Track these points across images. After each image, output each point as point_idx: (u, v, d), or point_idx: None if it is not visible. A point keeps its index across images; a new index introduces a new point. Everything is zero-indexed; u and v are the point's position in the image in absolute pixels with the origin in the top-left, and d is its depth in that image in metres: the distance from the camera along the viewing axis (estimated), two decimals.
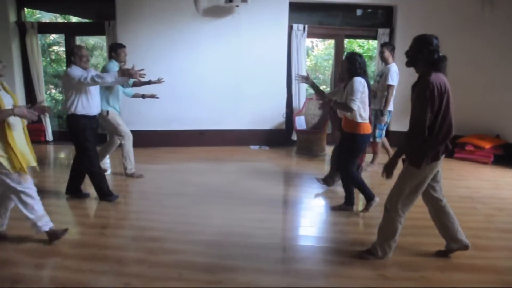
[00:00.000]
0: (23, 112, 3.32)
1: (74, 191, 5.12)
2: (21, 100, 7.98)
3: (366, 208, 4.47)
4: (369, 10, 8.38)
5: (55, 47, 11.12)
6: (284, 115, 7.88)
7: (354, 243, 3.74)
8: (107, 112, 5.59)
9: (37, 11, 9.72)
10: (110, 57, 5.81)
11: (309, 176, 6.11)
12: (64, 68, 8.38)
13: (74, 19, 9.46)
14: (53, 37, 10.92)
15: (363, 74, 4.25)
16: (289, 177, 6.25)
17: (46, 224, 3.68)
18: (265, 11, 7.57)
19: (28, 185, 3.54)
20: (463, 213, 4.36)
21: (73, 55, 4.70)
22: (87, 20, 8.97)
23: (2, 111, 3.29)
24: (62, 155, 7.82)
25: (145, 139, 7.78)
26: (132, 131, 7.72)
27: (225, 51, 7.68)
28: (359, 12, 8.42)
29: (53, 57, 10.81)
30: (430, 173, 3.14)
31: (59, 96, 9.99)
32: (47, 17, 10.40)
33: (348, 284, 3.06)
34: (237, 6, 7.30)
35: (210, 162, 6.87)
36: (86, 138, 4.75)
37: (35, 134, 7.70)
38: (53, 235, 3.73)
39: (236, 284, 3.04)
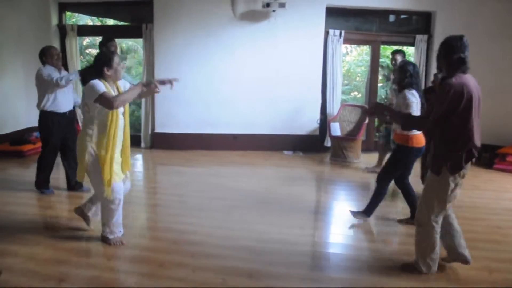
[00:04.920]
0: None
1: (72, 186, 5.31)
2: None
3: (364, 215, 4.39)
4: (404, 16, 8.25)
5: (90, 49, 11.32)
6: (319, 121, 7.80)
7: (398, 254, 3.65)
8: None
9: (76, 14, 9.87)
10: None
11: (344, 182, 6.05)
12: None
13: (110, 22, 9.60)
14: (89, 39, 11.11)
15: (415, 85, 4.04)
16: (324, 184, 6.18)
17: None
18: (301, 16, 7.52)
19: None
20: (509, 227, 4.23)
21: (44, 55, 4.97)
22: (124, 23, 9.09)
23: (133, 89, 3.52)
24: None
25: (179, 142, 7.84)
26: (167, 134, 7.88)
27: (260, 55, 7.67)
28: (392, 18, 8.30)
29: (88, 59, 10.99)
30: (454, 181, 2.99)
31: None
32: (84, 20, 10.59)
33: None
34: (273, 10, 7.28)
35: (244, 166, 6.85)
36: (52, 133, 5.02)
37: None
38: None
39: None
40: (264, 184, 5.80)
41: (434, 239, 3.14)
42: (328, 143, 7.77)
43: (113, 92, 3.52)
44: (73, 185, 5.25)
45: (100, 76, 3.50)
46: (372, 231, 4.34)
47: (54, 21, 8.09)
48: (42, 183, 5.17)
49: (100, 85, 3.38)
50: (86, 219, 3.98)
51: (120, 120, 3.55)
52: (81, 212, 3.98)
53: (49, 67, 4.96)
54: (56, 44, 7.99)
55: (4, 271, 3.22)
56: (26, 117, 7.38)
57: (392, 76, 5.53)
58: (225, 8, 7.55)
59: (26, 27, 7.68)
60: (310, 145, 7.81)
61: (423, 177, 4.87)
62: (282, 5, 7.11)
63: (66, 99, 5.04)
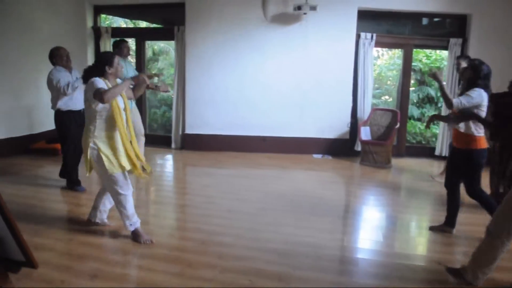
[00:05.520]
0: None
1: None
2: None
3: None
4: (438, 19, 8.08)
5: None
6: (349, 125, 7.72)
7: (429, 261, 3.58)
8: None
9: (110, 17, 10.07)
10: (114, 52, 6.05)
11: (373, 187, 5.98)
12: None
13: (143, 24, 9.75)
14: None
15: (485, 86, 3.80)
16: (354, 188, 6.09)
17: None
18: (333, 19, 7.47)
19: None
20: None
21: (54, 56, 5.10)
22: (157, 25, 9.23)
23: (122, 83, 3.65)
24: None
25: (209, 143, 7.91)
26: (197, 135, 7.95)
27: (291, 58, 7.65)
28: (425, 21, 8.14)
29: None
30: None
31: None
32: (117, 22, 10.79)
33: None
34: (305, 13, 7.25)
35: (273, 169, 6.84)
36: (69, 131, 5.18)
37: None
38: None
39: None
40: (293, 187, 5.78)
41: (497, 254, 2.93)
42: (358, 147, 7.68)
43: None
44: (74, 180, 5.35)
45: (102, 74, 3.70)
46: (402, 238, 4.27)
47: (90, 23, 8.33)
48: (73, 181, 5.30)
49: (99, 82, 3.56)
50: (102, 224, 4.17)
51: (123, 117, 3.73)
52: (92, 223, 4.15)
53: (59, 68, 5.11)
54: (91, 45, 8.21)
55: (40, 265, 3.30)
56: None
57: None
58: (256, 11, 7.57)
59: (63, 30, 7.89)
60: (340, 149, 7.74)
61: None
62: (313, 8, 7.08)
63: (82, 96, 5.15)
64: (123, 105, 3.77)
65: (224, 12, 7.65)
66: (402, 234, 4.37)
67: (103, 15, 8.99)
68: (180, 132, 8.18)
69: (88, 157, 3.70)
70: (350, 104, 7.75)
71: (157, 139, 8.64)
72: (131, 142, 3.82)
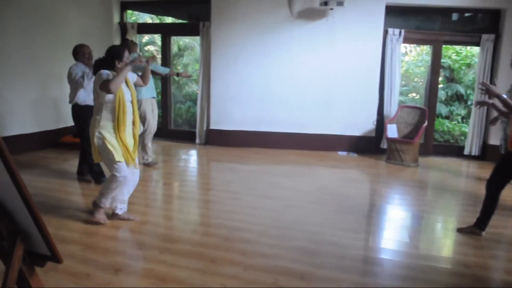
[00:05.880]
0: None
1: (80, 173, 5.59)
2: None
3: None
4: (469, 14, 7.85)
5: (149, 46, 11.61)
6: (375, 122, 7.60)
7: (456, 264, 3.48)
8: (141, 101, 5.98)
9: (136, 13, 10.15)
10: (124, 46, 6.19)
11: (399, 186, 5.88)
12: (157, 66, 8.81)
13: (168, 20, 9.80)
14: (148, 37, 11.39)
15: None
16: (379, 187, 5.97)
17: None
18: (360, 15, 7.35)
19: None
20: None
21: (77, 52, 5.24)
22: (182, 21, 9.28)
23: (121, 69, 3.75)
24: (152, 149, 8.08)
25: (234, 139, 7.91)
26: (221, 131, 7.95)
27: (316, 54, 7.57)
28: (455, 16, 7.93)
29: (147, 55, 11.28)
30: None
31: None
32: (143, 18, 10.87)
33: None
34: (331, 9, 7.15)
35: (299, 166, 6.78)
36: (87, 124, 5.08)
37: None
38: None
39: None
40: (318, 185, 5.72)
41: None
42: (384, 145, 7.56)
43: (123, 83, 3.87)
44: (96, 172, 5.43)
45: (112, 68, 3.86)
46: (428, 239, 4.17)
47: (116, 19, 8.48)
48: (96, 172, 5.39)
49: (106, 74, 3.75)
50: (123, 218, 4.23)
51: (128, 107, 3.88)
52: (117, 216, 4.22)
53: (80, 64, 5.24)
54: (117, 41, 8.30)
55: (65, 257, 3.35)
56: None
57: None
58: (282, 6, 7.51)
59: (91, 25, 8.03)
60: (366, 147, 7.63)
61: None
62: (340, 3, 6.98)
63: None
64: (130, 97, 3.93)
65: (250, 7, 7.61)
66: (428, 235, 4.27)
67: (129, 11, 9.09)
68: (205, 128, 8.21)
69: (96, 145, 3.87)
70: (377, 101, 7.63)
71: (182, 134, 8.70)
72: (133, 133, 4.01)
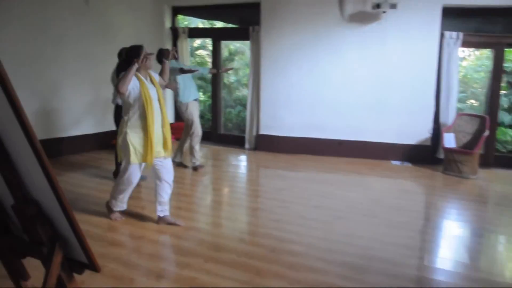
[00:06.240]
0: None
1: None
2: (169, 101, 8.52)
3: None
4: None
5: (200, 51, 11.70)
6: (431, 131, 7.24)
7: None
8: (187, 105, 6.19)
9: (187, 17, 10.26)
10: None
11: (457, 200, 5.56)
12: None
13: (218, 24, 9.83)
14: (199, 41, 11.49)
15: None
16: (436, 200, 5.66)
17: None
18: (414, 17, 7.01)
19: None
20: None
21: (121, 55, 5.56)
22: (232, 26, 9.30)
23: (130, 68, 3.81)
24: (201, 153, 8.11)
25: (283, 145, 7.80)
26: (271, 136, 7.86)
27: (369, 59, 7.32)
28: None
29: (198, 60, 11.38)
30: None
31: (202, 98, 10.45)
32: (195, 23, 10.98)
33: None
34: (384, 12, 6.88)
35: (349, 174, 6.56)
36: None
37: (179, 132, 8.09)
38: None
39: None
40: (370, 195, 5.50)
41: None
42: (440, 155, 7.18)
43: (146, 80, 3.99)
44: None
45: None
46: (490, 260, 3.86)
47: (168, 24, 8.64)
48: None
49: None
50: (170, 223, 4.26)
51: (155, 106, 3.94)
52: (162, 219, 4.26)
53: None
54: (169, 45, 8.41)
55: (111, 260, 3.39)
56: None
57: None
58: (333, 9, 7.33)
59: (143, 30, 8.23)
60: (421, 156, 7.27)
61: None
62: (393, 6, 6.71)
63: None
64: (156, 95, 4.00)
65: (300, 11, 7.48)
66: (490, 256, 3.96)
67: (180, 16, 9.20)
68: (254, 133, 8.14)
69: (120, 144, 4.03)
70: (433, 108, 7.26)
71: (231, 139, 8.68)
72: (163, 131, 4.06)
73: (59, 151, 6.86)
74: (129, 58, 3.94)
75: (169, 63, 4.53)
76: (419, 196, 5.91)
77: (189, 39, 8.80)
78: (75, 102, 6.97)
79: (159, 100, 4.01)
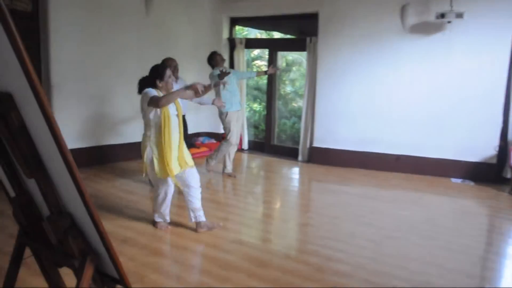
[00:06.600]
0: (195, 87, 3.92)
1: None
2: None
3: None
4: None
5: (257, 61, 11.72)
6: (497, 148, 6.77)
7: None
8: (226, 113, 6.32)
9: (246, 28, 10.32)
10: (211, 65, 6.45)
11: None
12: (265, 81, 8.96)
13: (276, 35, 9.80)
14: (256, 52, 11.51)
15: None
16: (500, 223, 5.23)
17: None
18: (482, 27, 6.59)
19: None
20: None
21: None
22: (289, 36, 9.22)
23: (176, 92, 3.91)
24: (254, 164, 8.08)
25: (337, 158, 7.60)
26: (325, 149, 7.68)
27: (430, 71, 6.96)
28: None
29: (255, 70, 11.41)
30: None
31: (257, 108, 10.44)
32: (254, 33, 11.02)
33: None
34: (449, 22, 6.53)
35: (405, 191, 6.25)
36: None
37: None
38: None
39: None
40: (426, 214, 5.18)
41: None
42: (507, 174, 6.68)
43: None
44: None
45: (154, 86, 4.01)
46: None
47: (225, 34, 8.73)
48: None
49: (152, 92, 3.90)
50: (209, 228, 4.35)
51: (173, 122, 3.99)
52: (201, 226, 4.32)
53: None
54: (226, 56, 8.47)
55: (154, 271, 3.38)
56: (195, 122, 7.93)
57: None
58: (393, 20, 7.06)
59: (201, 41, 8.40)
60: (484, 175, 6.80)
61: None
62: (459, 16, 6.34)
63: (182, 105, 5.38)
64: (176, 111, 4.05)
65: (359, 22, 7.28)
66: None
67: (238, 27, 9.25)
68: (308, 145, 7.99)
69: (144, 160, 4.07)
70: (500, 124, 6.79)
71: (284, 151, 8.58)
72: (179, 145, 4.11)
73: (115, 156, 7.06)
74: (151, 77, 4.04)
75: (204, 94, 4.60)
76: (482, 218, 5.50)
77: (246, 50, 8.83)
78: (131, 110, 7.12)
79: (177, 115, 4.07)
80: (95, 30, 6.66)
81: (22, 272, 2.79)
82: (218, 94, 6.30)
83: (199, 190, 4.26)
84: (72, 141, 6.49)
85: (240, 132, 6.68)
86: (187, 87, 3.98)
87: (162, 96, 3.82)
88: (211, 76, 6.15)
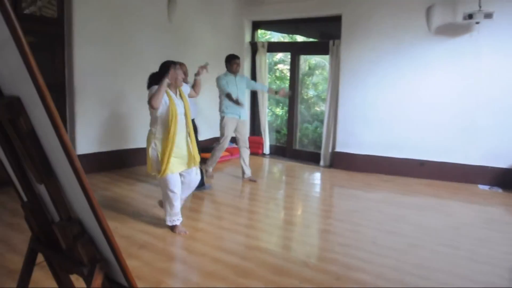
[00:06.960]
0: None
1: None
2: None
3: None
4: None
5: (280, 65, 11.65)
6: None
7: None
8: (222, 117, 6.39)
9: (268, 32, 10.28)
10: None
11: None
12: (287, 85, 8.89)
13: (299, 39, 9.72)
14: (279, 56, 11.45)
15: None
16: None
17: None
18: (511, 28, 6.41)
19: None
20: None
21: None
22: (312, 40, 9.14)
23: (160, 84, 3.97)
24: (275, 168, 8.01)
25: (360, 163, 7.46)
26: (347, 154, 7.55)
27: (456, 74, 6.76)
28: None
29: (277, 74, 11.33)
30: None
31: (279, 112, 10.37)
32: (276, 37, 10.97)
33: None
34: (477, 23, 6.31)
35: (430, 198, 6.07)
36: None
37: (253, 146, 8.07)
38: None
39: None
40: (451, 223, 5.01)
41: None
42: None
43: (175, 96, 4.16)
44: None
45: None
46: None
47: (247, 38, 8.73)
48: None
49: (153, 89, 4.01)
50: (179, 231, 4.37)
51: (180, 120, 4.08)
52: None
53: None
54: (248, 59, 8.50)
55: (172, 277, 3.35)
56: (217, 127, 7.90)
57: None
58: (419, 22, 6.89)
59: (223, 45, 8.39)
60: None
61: None
62: (488, 16, 6.12)
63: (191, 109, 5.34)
64: (183, 109, 4.15)
65: (383, 24, 7.14)
66: None
67: (260, 30, 9.22)
68: (330, 150, 7.88)
69: (150, 156, 4.12)
70: None
71: (306, 155, 8.49)
72: (187, 144, 4.23)
73: (135, 160, 7.07)
74: (159, 73, 4.13)
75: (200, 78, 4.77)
76: (510, 226, 5.29)
77: (268, 54, 8.78)
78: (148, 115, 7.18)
79: (185, 114, 4.18)
80: (118, 36, 6.70)
81: (38, 275, 2.82)
82: (221, 100, 6.38)
83: (192, 189, 4.58)
84: (94, 145, 6.55)
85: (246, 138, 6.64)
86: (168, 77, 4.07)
87: (151, 96, 3.97)
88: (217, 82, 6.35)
